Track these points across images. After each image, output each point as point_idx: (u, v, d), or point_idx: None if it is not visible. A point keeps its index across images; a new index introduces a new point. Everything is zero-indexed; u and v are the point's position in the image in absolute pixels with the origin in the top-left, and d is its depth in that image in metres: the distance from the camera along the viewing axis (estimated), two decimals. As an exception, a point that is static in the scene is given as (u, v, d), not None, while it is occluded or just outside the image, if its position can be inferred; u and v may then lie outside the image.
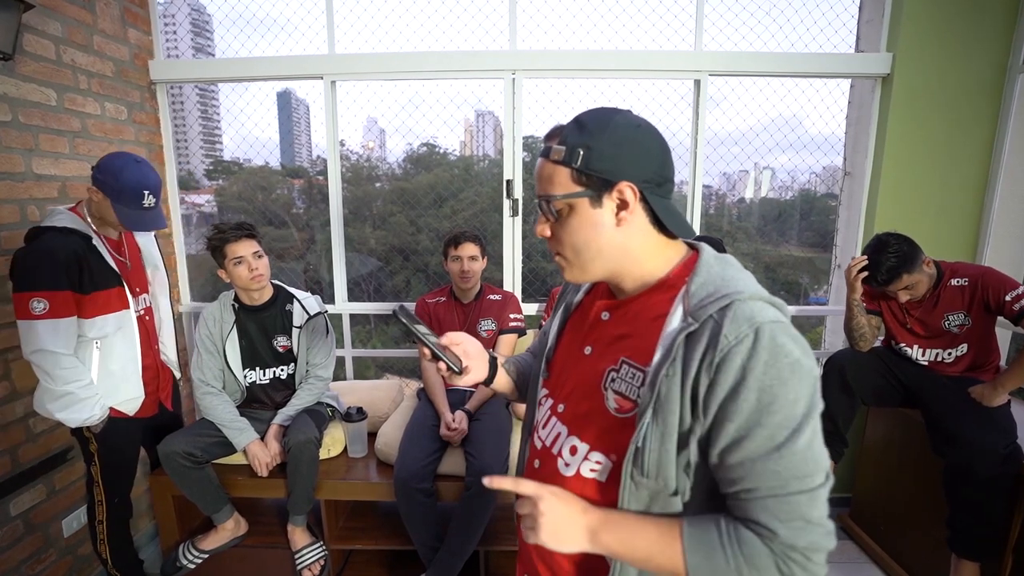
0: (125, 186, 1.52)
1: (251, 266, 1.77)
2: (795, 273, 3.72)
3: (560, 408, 0.74)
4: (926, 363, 1.88)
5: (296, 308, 1.91)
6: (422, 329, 0.80)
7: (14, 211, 1.76)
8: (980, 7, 2.14)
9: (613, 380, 0.66)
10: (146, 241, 1.86)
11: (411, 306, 0.76)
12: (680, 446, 0.59)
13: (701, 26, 2.26)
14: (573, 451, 0.69)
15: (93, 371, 1.59)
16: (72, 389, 1.51)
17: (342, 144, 2.46)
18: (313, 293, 2.00)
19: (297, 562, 1.81)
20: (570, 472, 0.69)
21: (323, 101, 2.36)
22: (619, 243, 0.65)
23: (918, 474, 1.93)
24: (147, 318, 1.77)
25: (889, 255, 1.76)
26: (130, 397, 1.68)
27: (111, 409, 1.63)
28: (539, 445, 0.76)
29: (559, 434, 0.72)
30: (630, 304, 0.69)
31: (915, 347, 1.89)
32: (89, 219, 1.60)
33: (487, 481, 0.65)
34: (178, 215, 2.55)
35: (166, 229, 2.47)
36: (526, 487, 0.64)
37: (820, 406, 0.56)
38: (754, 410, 0.54)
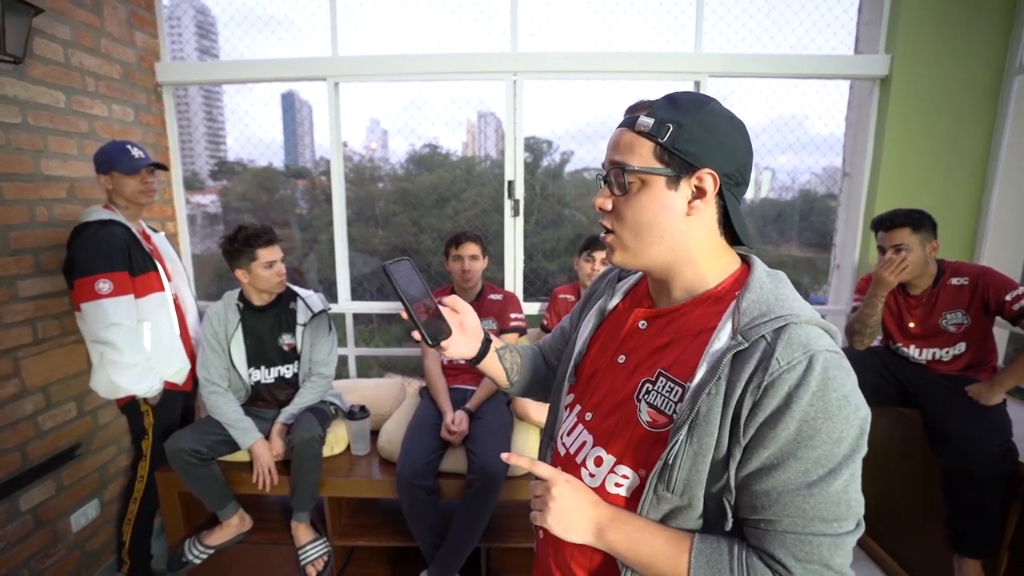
0: (111, 152, 1.76)
1: (279, 270, 1.85)
2: (795, 273, 3.74)
3: (588, 416, 0.70)
4: (924, 362, 1.89)
5: (300, 306, 1.94)
6: (408, 289, 0.73)
7: (23, 211, 1.79)
8: (978, 9, 2.16)
9: (648, 392, 0.62)
10: (159, 239, 1.97)
11: (406, 266, 0.77)
12: (712, 467, 0.56)
13: (701, 28, 2.28)
14: (599, 462, 0.66)
15: (147, 346, 1.80)
16: (139, 360, 1.72)
17: (345, 145, 2.49)
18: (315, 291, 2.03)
19: (301, 558, 1.83)
20: (594, 484, 0.65)
21: (326, 102, 2.38)
22: (683, 233, 0.62)
23: (918, 473, 1.94)
24: (178, 302, 1.95)
25: (904, 209, 1.81)
26: (179, 368, 1.90)
27: (165, 382, 1.84)
28: (562, 452, 0.73)
29: (584, 443, 0.69)
30: (673, 315, 0.66)
31: (912, 347, 1.90)
32: (120, 212, 1.79)
33: (504, 456, 0.65)
34: (183, 215, 2.59)
35: (173, 231, 2.50)
36: (543, 469, 0.64)
37: (864, 450, 0.53)
38: (792, 440, 0.52)
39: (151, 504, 1.92)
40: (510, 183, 2.38)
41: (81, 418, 2.00)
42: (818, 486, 0.51)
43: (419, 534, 1.80)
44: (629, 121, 0.63)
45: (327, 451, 1.97)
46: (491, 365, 0.85)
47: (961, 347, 1.83)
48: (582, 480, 0.66)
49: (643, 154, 0.61)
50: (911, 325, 1.89)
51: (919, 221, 1.78)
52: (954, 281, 1.81)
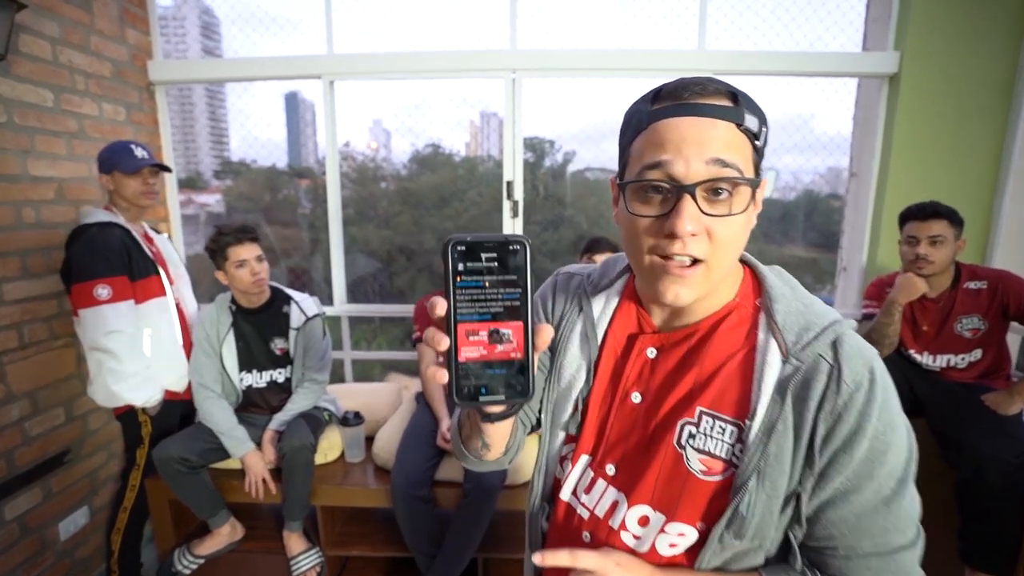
0: (114, 151, 1.72)
1: (253, 270, 1.77)
2: (799, 273, 3.67)
3: (610, 470, 0.60)
4: (938, 369, 1.83)
5: (293, 310, 1.89)
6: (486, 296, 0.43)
7: (9, 213, 1.74)
8: (990, 4, 2.09)
9: (692, 436, 0.54)
10: (162, 241, 1.93)
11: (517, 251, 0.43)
12: (784, 504, 0.51)
13: (705, 25, 2.22)
14: (643, 522, 0.56)
15: (147, 353, 1.74)
16: (139, 369, 1.67)
17: (347, 145, 2.45)
18: (311, 294, 1.98)
19: (292, 568, 1.79)
20: (642, 548, 0.56)
21: (322, 101, 2.33)
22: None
23: (930, 484, 1.87)
24: (181, 306, 1.91)
25: (940, 203, 1.74)
26: (180, 376, 1.85)
27: (166, 392, 1.79)
28: (585, 515, 0.61)
29: (616, 503, 0.58)
30: (689, 337, 0.57)
31: (925, 353, 1.84)
32: (120, 214, 1.75)
33: (538, 560, 0.51)
34: (178, 215, 2.54)
35: (166, 233, 2.46)
36: (586, 560, 0.52)
37: (916, 449, 0.52)
38: (864, 460, 0.48)
39: (141, 513, 1.87)
40: (509, 183, 2.33)
41: (70, 423, 1.96)
42: (894, 501, 0.49)
43: (414, 544, 1.75)
44: (732, 114, 0.49)
45: (320, 458, 1.92)
46: (504, 427, 0.60)
47: (977, 354, 1.77)
48: (624, 545, 0.57)
49: (747, 158, 0.51)
50: (925, 328, 1.82)
51: (955, 214, 1.73)
52: (971, 285, 1.76)
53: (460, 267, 0.42)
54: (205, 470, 1.78)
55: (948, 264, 1.76)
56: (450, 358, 0.43)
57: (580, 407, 0.63)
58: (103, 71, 2.10)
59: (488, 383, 0.43)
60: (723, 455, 0.53)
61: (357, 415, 1.94)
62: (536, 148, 3.82)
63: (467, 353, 0.43)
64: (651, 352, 0.60)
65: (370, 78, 2.35)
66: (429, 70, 2.28)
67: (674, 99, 0.51)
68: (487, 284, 0.42)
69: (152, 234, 1.90)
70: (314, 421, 1.86)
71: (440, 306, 0.42)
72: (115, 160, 1.71)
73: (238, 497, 1.85)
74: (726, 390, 0.54)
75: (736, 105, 0.50)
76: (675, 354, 0.58)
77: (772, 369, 0.51)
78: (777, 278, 0.58)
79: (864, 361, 0.50)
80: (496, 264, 0.42)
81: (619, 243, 2.05)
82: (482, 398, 0.43)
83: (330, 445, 1.96)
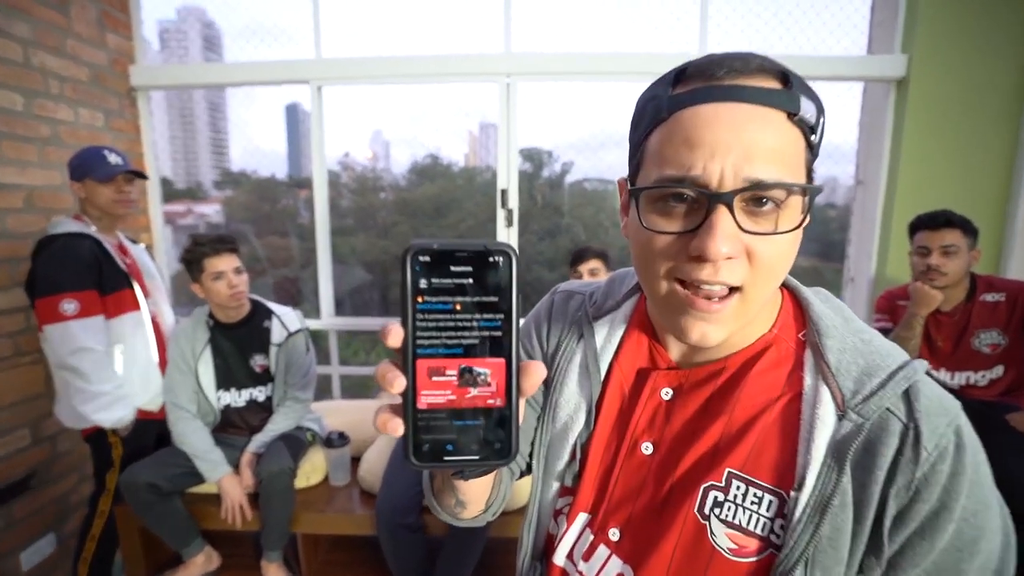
0: (85, 157, 1.62)
1: (231, 282, 1.67)
2: (804, 283, 3.61)
3: (614, 535, 0.49)
4: (956, 388, 1.73)
5: (275, 325, 1.79)
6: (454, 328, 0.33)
7: (-27, 222, 1.65)
8: (1001, 4, 2.03)
9: (719, 505, 0.43)
10: (138, 252, 1.84)
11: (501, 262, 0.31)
12: None
13: (706, 28, 2.15)
14: None
15: (119, 371, 1.64)
16: (108, 388, 1.57)
17: (347, 155, 2.37)
18: (295, 307, 1.89)
19: (271, 601, 1.67)
20: None
21: (310, 106, 2.25)
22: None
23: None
24: (158, 321, 1.82)
25: (952, 211, 1.66)
26: (155, 395, 1.75)
27: (138, 411, 1.68)
28: None
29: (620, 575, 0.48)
30: (715, 377, 0.47)
31: (942, 371, 1.74)
32: (92, 224, 1.65)
33: None
34: (160, 226, 2.45)
35: (144, 244, 2.36)
36: None
37: (1013, 533, 0.41)
38: (949, 550, 0.38)
39: (111, 541, 1.75)
40: (503, 192, 2.24)
41: (37, 446, 1.84)
42: None
43: (401, 575, 1.64)
44: (783, 100, 0.38)
45: (303, 481, 1.81)
46: (482, 483, 0.49)
47: (999, 370, 1.67)
48: None
49: (799, 158, 0.40)
50: (940, 344, 1.73)
51: (969, 223, 1.65)
52: (988, 297, 1.66)
53: (423, 284, 0.32)
54: (178, 496, 1.66)
55: (962, 276, 1.67)
56: (407, 404, 0.33)
57: (578, 454, 0.52)
58: (79, 75, 2.01)
59: (456, 438, 0.33)
60: (759, 532, 0.42)
61: (342, 435, 1.83)
62: (534, 158, 3.77)
63: (429, 398, 0.33)
64: (666, 393, 0.49)
65: (360, 83, 2.27)
66: (420, 74, 2.20)
67: (704, 80, 0.39)
68: (458, 307, 0.32)
69: (128, 245, 1.80)
70: (295, 443, 1.75)
71: (394, 334, 0.31)
72: (87, 166, 1.62)
73: (215, 524, 1.73)
74: (763, 449, 0.43)
75: (787, 88, 0.39)
76: (696, 397, 0.47)
77: (824, 426, 0.41)
78: (824, 304, 0.47)
79: (948, 419, 0.39)
80: (471, 281, 0.32)
81: (609, 248, 1.95)
82: (447, 458, 0.33)
83: (313, 468, 1.85)
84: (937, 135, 2.11)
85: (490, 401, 0.33)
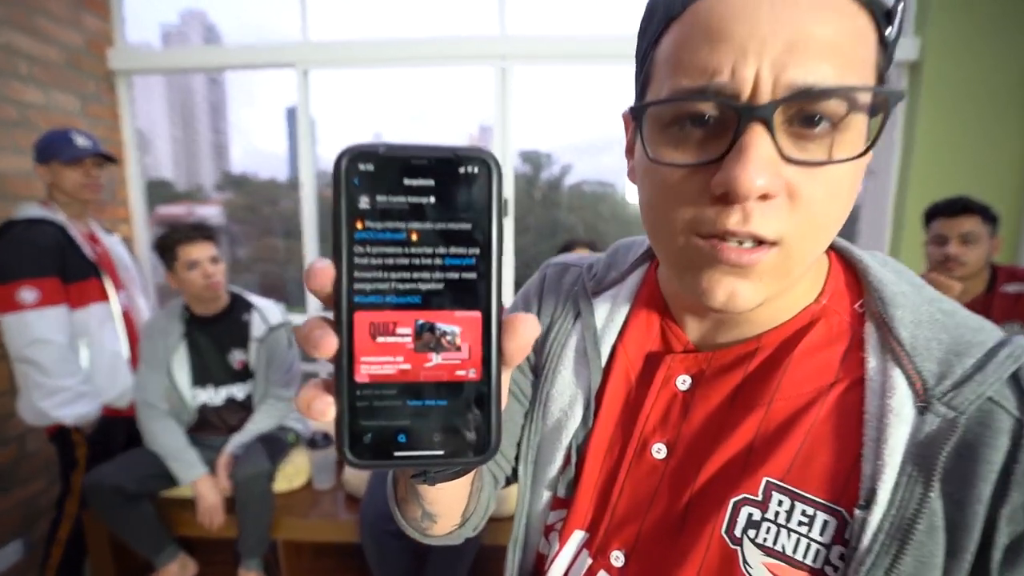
0: (51, 139, 1.54)
1: (206, 271, 1.56)
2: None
3: (616, 559, 0.39)
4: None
5: (254, 318, 1.69)
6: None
7: (-70, 208, 1.55)
8: (1021, -15, 1.94)
9: (755, 524, 0.34)
10: (112, 243, 1.75)
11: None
12: None
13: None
14: None
15: (85, 364, 1.56)
16: (70, 383, 1.48)
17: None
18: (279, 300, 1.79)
19: (249, 613, 1.57)
20: None
21: (297, 92, 2.15)
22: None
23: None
24: (131, 315, 1.74)
25: (971, 197, 1.55)
26: (123, 390, 1.65)
27: (104, 408, 1.60)
28: None
29: None
30: (746, 360, 0.37)
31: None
32: (60, 209, 1.57)
33: None
34: (142, 217, 2.35)
35: (128, 235, 2.26)
36: None
37: None
38: None
39: (79, 547, 1.65)
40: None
41: (2, 446, 1.74)
42: None
43: (388, 585, 1.54)
44: None
45: (285, 484, 1.70)
46: (454, 490, 0.39)
47: None
48: None
49: (867, 59, 0.29)
50: None
51: (989, 210, 1.55)
52: (1009, 288, 1.57)
53: (363, 203, 0.22)
54: (148, 500, 1.56)
55: (982, 265, 1.58)
56: (340, 375, 0.23)
57: (574, 458, 0.43)
58: (52, 56, 1.91)
59: (411, 425, 0.23)
60: (810, 562, 0.32)
61: (326, 436, 1.73)
62: (533, 160, 3.74)
63: (372, 368, 0.23)
64: (683, 382, 0.39)
65: (348, 67, 2.17)
66: (412, 58, 2.10)
67: None
68: (415, 236, 0.23)
69: (101, 234, 1.70)
70: (275, 445, 1.65)
71: (321, 274, 0.22)
72: (52, 148, 1.53)
73: (191, 530, 1.63)
74: (814, 452, 0.33)
75: None
76: (722, 386, 0.37)
77: (900, 422, 0.31)
78: (884, 268, 0.37)
79: None
80: (434, 200, 0.23)
81: (598, 241, 1.85)
82: (399, 453, 0.24)
83: (296, 470, 1.75)
84: (953, 121, 2.01)
85: (460, 372, 0.23)
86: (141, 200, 2.33)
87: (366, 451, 0.23)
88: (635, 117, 0.34)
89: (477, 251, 0.23)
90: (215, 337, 1.66)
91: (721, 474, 0.35)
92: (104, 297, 1.61)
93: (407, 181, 0.22)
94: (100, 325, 1.59)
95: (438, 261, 0.23)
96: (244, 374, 1.70)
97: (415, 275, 0.23)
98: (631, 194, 2.56)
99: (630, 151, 0.39)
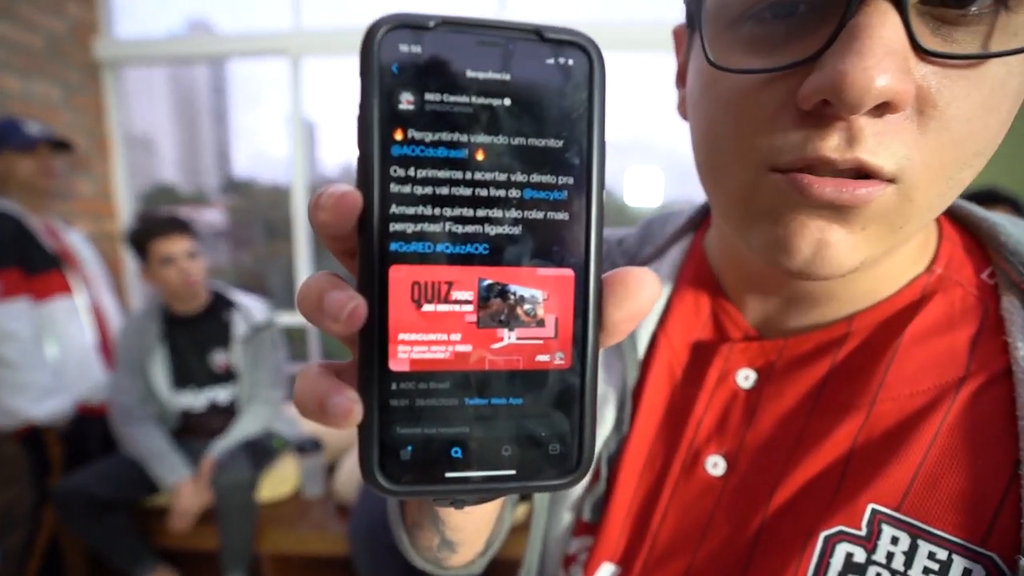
0: (1, 127, 1.47)
1: (182, 268, 1.47)
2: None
3: None
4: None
5: (237, 318, 1.60)
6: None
7: None
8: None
9: (857, 568, 0.25)
10: (75, 238, 1.68)
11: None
12: None
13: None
14: None
15: (52, 359, 1.50)
16: (39, 377, 1.42)
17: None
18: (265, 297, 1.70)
19: (232, 631, 1.47)
20: None
21: (287, 82, 2.07)
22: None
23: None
24: (100, 311, 1.68)
25: (999, 187, 1.42)
26: (95, 385, 1.59)
27: (79, 406, 1.54)
28: None
29: None
30: (832, 349, 0.28)
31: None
32: (16, 200, 1.49)
33: None
34: (126, 213, 2.26)
35: (110, 230, 2.18)
36: None
37: None
38: None
39: (57, 558, 1.57)
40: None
41: (-26, 452, 1.65)
42: None
43: (379, 602, 1.44)
44: None
45: (270, 492, 1.61)
46: (485, 513, 0.30)
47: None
48: None
49: None
50: None
51: (1019, 201, 1.45)
52: None
53: (405, 103, 0.15)
54: (123, 510, 1.47)
55: None
56: (367, 361, 0.16)
57: (604, 473, 0.34)
58: (32, 43, 1.83)
59: (471, 433, 0.17)
60: None
61: (315, 443, 1.64)
62: None
63: (415, 349, 0.16)
64: (745, 378, 0.31)
65: (343, 55, 2.08)
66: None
67: None
68: (479, 156, 0.16)
69: (61, 228, 1.63)
70: (259, 451, 1.56)
71: (341, 203, 0.15)
72: (2, 137, 1.46)
73: (172, 541, 1.55)
74: (942, 471, 0.24)
75: None
76: (800, 382, 0.28)
77: None
78: (1017, 228, 0.28)
79: None
80: (510, 103, 0.16)
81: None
82: (451, 475, 0.17)
83: (282, 478, 1.65)
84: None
85: (542, 357, 0.17)
86: (128, 196, 2.25)
87: (405, 472, 0.16)
88: (691, 24, 0.25)
89: (570, 180, 0.16)
90: (195, 337, 1.58)
91: (804, 497, 0.26)
92: (67, 290, 1.54)
93: (471, 73, 0.15)
94: (66, 319, 1.53)
95: (514, 194, 0.16)
96: (227, 376, 1.61)
97: (479, 213, 0.16)
98: (631, 197, 2.41)
99: (681, 77, 0.30)
